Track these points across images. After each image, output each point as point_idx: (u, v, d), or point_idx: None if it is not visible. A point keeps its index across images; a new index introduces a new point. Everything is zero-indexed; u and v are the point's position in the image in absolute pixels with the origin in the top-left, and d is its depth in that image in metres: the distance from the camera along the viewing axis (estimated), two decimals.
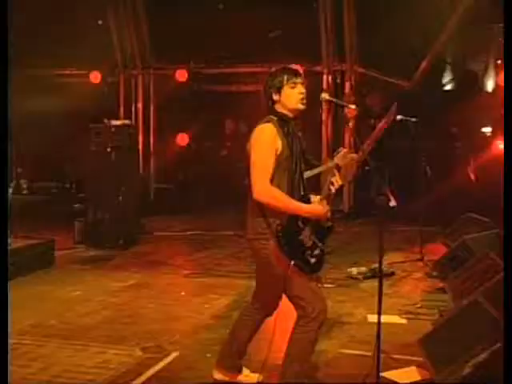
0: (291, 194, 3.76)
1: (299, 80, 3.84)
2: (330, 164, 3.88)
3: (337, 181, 3.83)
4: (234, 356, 4.22)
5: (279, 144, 3.74)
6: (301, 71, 3.90)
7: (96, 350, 4.90)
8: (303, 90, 3.83)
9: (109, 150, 8.92)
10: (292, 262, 3.69)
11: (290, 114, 3.84)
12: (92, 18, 12.90)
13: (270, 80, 3.86)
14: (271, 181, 3.72)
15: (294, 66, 3.91)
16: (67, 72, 13.14)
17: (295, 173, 3.82)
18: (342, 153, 3.87)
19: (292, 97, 3.81)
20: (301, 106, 3.84)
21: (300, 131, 3.91)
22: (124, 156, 9.13)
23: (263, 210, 3.76)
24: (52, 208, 11.59)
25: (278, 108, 3.84)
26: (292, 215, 3.74)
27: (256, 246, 3.84)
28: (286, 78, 3.82)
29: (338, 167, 3.84)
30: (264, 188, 3.69)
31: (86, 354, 4.83)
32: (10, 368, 3.90)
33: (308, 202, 3.84)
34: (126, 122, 10.18)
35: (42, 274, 7.26)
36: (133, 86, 13.20)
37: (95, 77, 12.73)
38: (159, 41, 12.82)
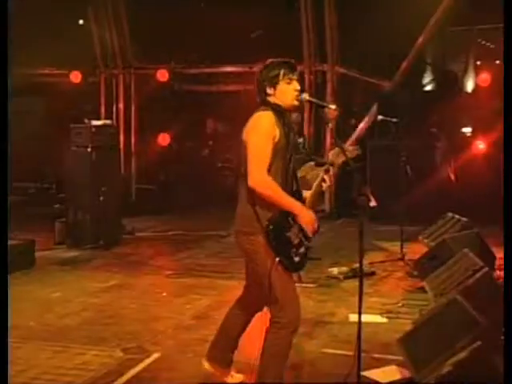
0: (284, 185, 3.68)
1: (295, 76, 3.78)
2: (326, 165, 3.88)
3: (329, 178, 3.82)
4: (224, 350, 4.17)
5: (277, 132, 3.66)
6: (296, 66, 3.84)
7: (76, 351, 4.86)
8: (298, 87, 3.78)
9: (89, 150, 8.86)
10: (277, 259, 3.64)
11: (285, 106, 3.78)
12: (73, 17, 12.82)
13: (266, 72, 3.77)
14: (268, 170, 3.63)
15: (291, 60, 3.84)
16: (47, 71, 13.04)
17: (289, 163, 3.76)
18: (335, 150, 3.86)
19: (287, 93, 3.76)
20: (296, 103, 3.79)
21: (302, 136, 3.90)
22: (105, 156, 9.08)
23: (255, 201, 3.66)
24: (32, 209, 11.50)
25: (272, 99, 3.77)
26: (284, 211, 3.66)
27: (244, 241, 3.75)
28: (282, 72, 3.74)
29: (332, 165, 3.83)
30: (261, 178, 3.60)
31: (66, 355, 4.79)
32: None
33: (300, 197, 3.81)
34: (107, 121, 10.13)
35: (22, 274, 7.19)
36: (114, 85, 13.13)
37: (76, 76, 12.65)
38: (140, 40, 12.76)
